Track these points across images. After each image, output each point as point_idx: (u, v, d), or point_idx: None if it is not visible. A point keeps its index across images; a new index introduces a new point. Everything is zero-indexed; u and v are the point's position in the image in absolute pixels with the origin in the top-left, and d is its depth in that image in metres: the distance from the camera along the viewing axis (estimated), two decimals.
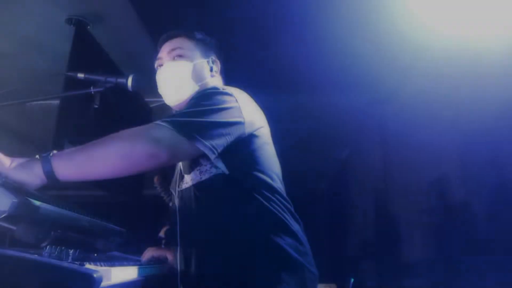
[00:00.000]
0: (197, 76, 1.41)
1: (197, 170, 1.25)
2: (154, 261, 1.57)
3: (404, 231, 3.39)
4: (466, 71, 2.44)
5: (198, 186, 1.25)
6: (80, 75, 1.30)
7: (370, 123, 3.91)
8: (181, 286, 1.27)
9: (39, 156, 1.00)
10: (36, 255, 0.87)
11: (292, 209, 1.28)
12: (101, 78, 1.28)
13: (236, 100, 1.24)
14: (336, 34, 2.68)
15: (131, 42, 2.99)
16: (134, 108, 3.36)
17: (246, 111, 1.25)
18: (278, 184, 1.29)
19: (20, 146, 4.29)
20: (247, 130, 1.24)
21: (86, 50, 2.58)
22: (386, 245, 3.73)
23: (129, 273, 1.05)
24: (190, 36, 1.46)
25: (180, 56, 1.42)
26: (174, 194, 1.39)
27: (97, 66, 2.61)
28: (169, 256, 1.55)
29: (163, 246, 1.98)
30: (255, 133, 1.27)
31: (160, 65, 1.45)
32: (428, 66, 2.86)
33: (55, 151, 1.01)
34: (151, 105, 3.89)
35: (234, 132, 1.20)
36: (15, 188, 0.96)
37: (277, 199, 1.24)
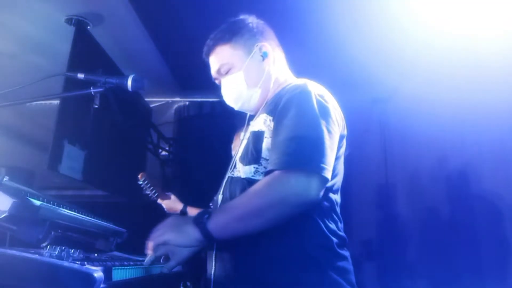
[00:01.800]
0: (253, 78, 1.32)
1: (253, 167, 1.19)
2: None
3: (405, 230, 3.38)
4: (466, 71, 2.44)
5: (249, 181, 1.20)
6: (80, 75, 1.30)
7: (371, 122, 3.91)
8: (212, 283, 1.23)
9: (195, 221, 1.07)
10: (36, 255, 0.87)
11: (342, 226, 1.25)
12: (101, 78, 1.27)
13: (332, 106, 1.20)
14: (336, 34, 2.68)
15: (131, 42, 2.99)
16: (134, 108, 3.36)
17: (339, 117, 1.21)
18: (339, 197, 1.26)
19: (20, 146, 4.29)
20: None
21: (86, 50, 2.58)
22: (387, 245, 3.72)
23: (129, 273, 1.05)
24: (223, 41, 1.34)
25: (228, 70, 1.33)
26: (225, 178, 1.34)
27: (97, 66, 2.61)
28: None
29: None
30: (340, 142, 1.23)
31: (220, 83, 1.39)
32: (429, 65, 2.86)
33: (206, 216, 1.07)
34: (151, 105, 3.89)
35: (336, 144, 1.17)
36: (16, 188, 0.96)
37: (330, 211, 1.21)
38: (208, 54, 1.38)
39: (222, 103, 1.47)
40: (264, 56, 1.33)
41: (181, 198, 2.04)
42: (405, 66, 3.01)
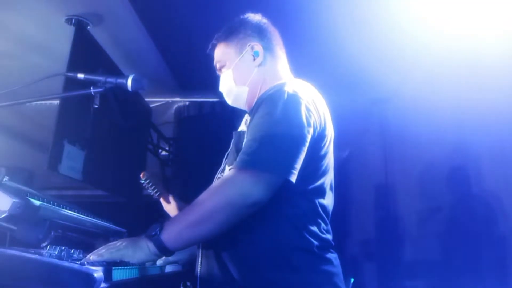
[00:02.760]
0: (241, 77, 1.33)
1: None
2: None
3: (405, 230, 3.38)
4: (466, 71, 2.44)
5: None
6: (80, 75, 1.30)
7: (371, 123, 3.92)
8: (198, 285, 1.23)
9: (147, 236, 1.07)
10: (36, 255, 0.87)
11: (327, 228, 1.22)
12: (101, 78, 1.27)
13: (306, 106, 1.14)
14: (336, 34, 2.68)
15: (131, 42, 2.99)
16: (134, 108, 3.36)
17: (316, 115, 1.16)
18: (326, 198, 1.21)
19: (20, 146, 4.30)
20: (315, 136, 1.16)
21: (86, 50, 2.58)
22: (386, 245, 3.73)
23: (129, 273, 1.05)
24: (220, 39, 1.39)
25: (221, 67, 1.38)
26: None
27: (97, 66, 2.61)
28: None
29: None
30: (321, 142, 1.19)
31: None
32: (429, 65, 2.87)
33: (158, 228, 1.07)
34: (151, 105, 3.89)
35: (306, 143, 1.12)
36: (16, 188, 0.96)
37: (312, 214, 1.17)
38: (211, 51, 1.43)
39: (222, 103, 1.49)
40: (255, 55, 1.34)
41: (181, 198, 2.03)
42: (405, 66, 3.01)
